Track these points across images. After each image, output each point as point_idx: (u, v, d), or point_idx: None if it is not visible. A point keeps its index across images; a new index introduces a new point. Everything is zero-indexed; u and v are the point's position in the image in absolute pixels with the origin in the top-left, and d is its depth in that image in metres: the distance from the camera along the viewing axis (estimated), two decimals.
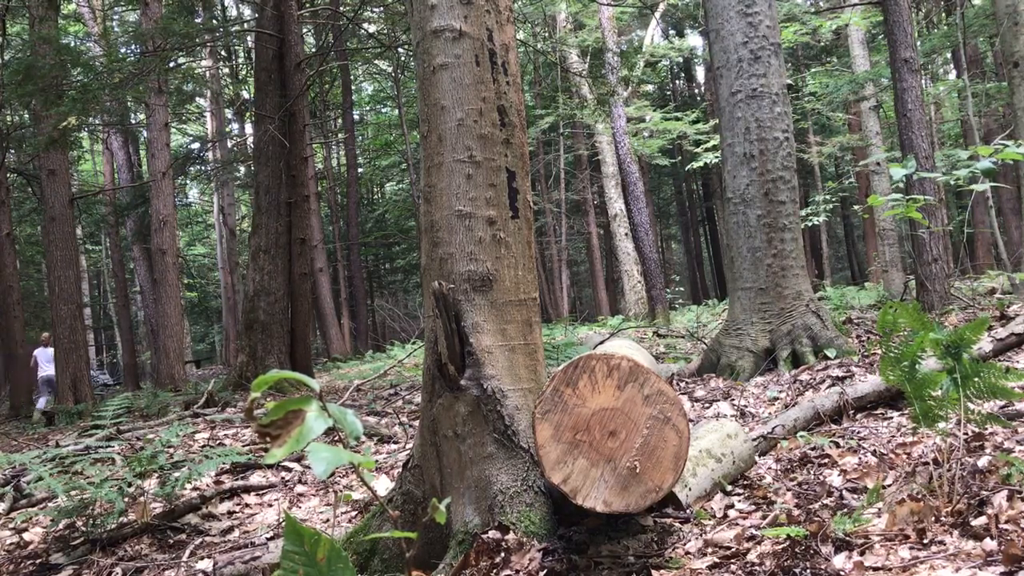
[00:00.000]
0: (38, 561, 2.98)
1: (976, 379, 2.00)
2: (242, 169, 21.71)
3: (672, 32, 26.63)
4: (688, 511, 2.25)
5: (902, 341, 2.09)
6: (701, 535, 2.09)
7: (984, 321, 1.98)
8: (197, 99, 21.96)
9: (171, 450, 3.91)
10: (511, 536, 1.96)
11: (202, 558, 2.82)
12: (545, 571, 1.88)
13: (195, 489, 3.86)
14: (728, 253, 5.64)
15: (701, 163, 18.13)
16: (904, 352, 2.07)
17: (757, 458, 2.81)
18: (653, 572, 1.88)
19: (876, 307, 8.67)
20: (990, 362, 2.09)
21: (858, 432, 3.03)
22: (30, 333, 14.83)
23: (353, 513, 3.16)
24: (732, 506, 2.32)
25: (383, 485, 3.45)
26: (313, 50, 15.89)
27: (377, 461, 4.11)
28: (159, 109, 12.76)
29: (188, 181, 26.63)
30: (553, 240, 24.49)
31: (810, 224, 16.84)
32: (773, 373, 4.99)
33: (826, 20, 14.52)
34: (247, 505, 3.65)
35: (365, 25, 14.01)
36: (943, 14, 19.40)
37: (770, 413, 3.86)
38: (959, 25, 11.21)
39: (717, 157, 14.83)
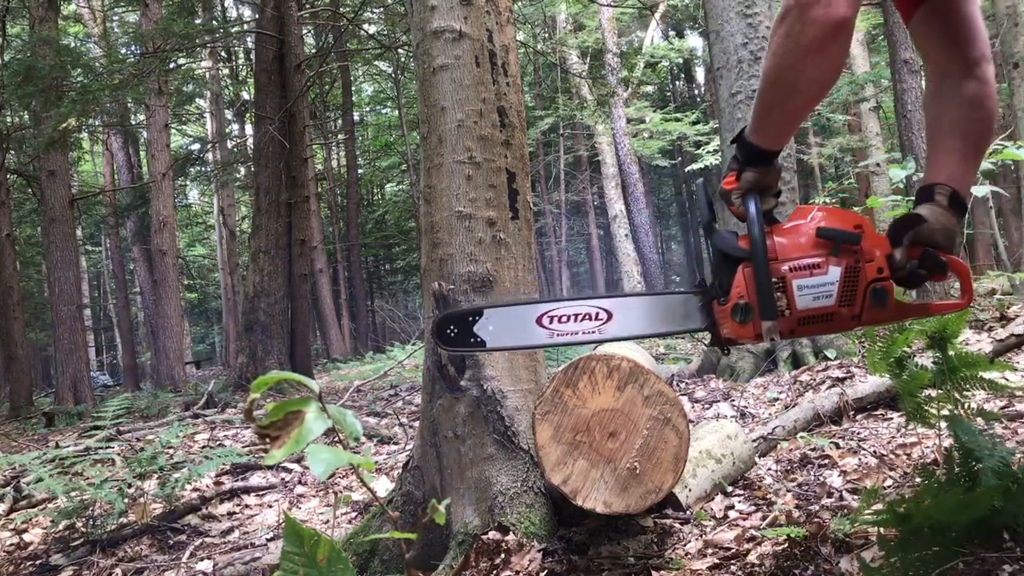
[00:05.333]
0: (38, 562, 2.98)
1: (964, 371, 1.93)
2: (242, 170, 21.72)
3: (672, 33, 26.64)
4: (688, 512, 2.25)
5: (886, 335, 2.03)
6: (701, 536, 2.09)
7: (965, 313, 1.88)
8: (197, 100, 21.99)
9: (171, 451, 3.91)
10: (511, 537, 1.96)
11: (202, 559, 2.82)
12: (545, 572, 1.88)
13: (195, 490, 3.86)
14: None
15: (701, 164, 18.13)
16: (890, 347, 2.01)
17: (757, 459, 2.81)
18: (653, 573, 1.88)
19: None
20: (976, 353, 2.03)
21: (858, 433, 3.03)
22: (30, 334, 14.83)
23: (353, 514, 3.16)
24: (732, 507, 2.32)
25: (383, 486, 3.44)
26: (313, 51, 15.89)
27: (377, 462, 4.11)
28: (159, 110, 12.77)
29: (188, 182, 26.66)
30: (553, 241, 24.50)
31: None
32: (773, 374, 4.99)
33: None
34: (247, 506, 3.64)
35: (365, 26, 14.02)
36: None
37: (770, 414, 3.86)
38: None
39: (717, 158, 14.83)
